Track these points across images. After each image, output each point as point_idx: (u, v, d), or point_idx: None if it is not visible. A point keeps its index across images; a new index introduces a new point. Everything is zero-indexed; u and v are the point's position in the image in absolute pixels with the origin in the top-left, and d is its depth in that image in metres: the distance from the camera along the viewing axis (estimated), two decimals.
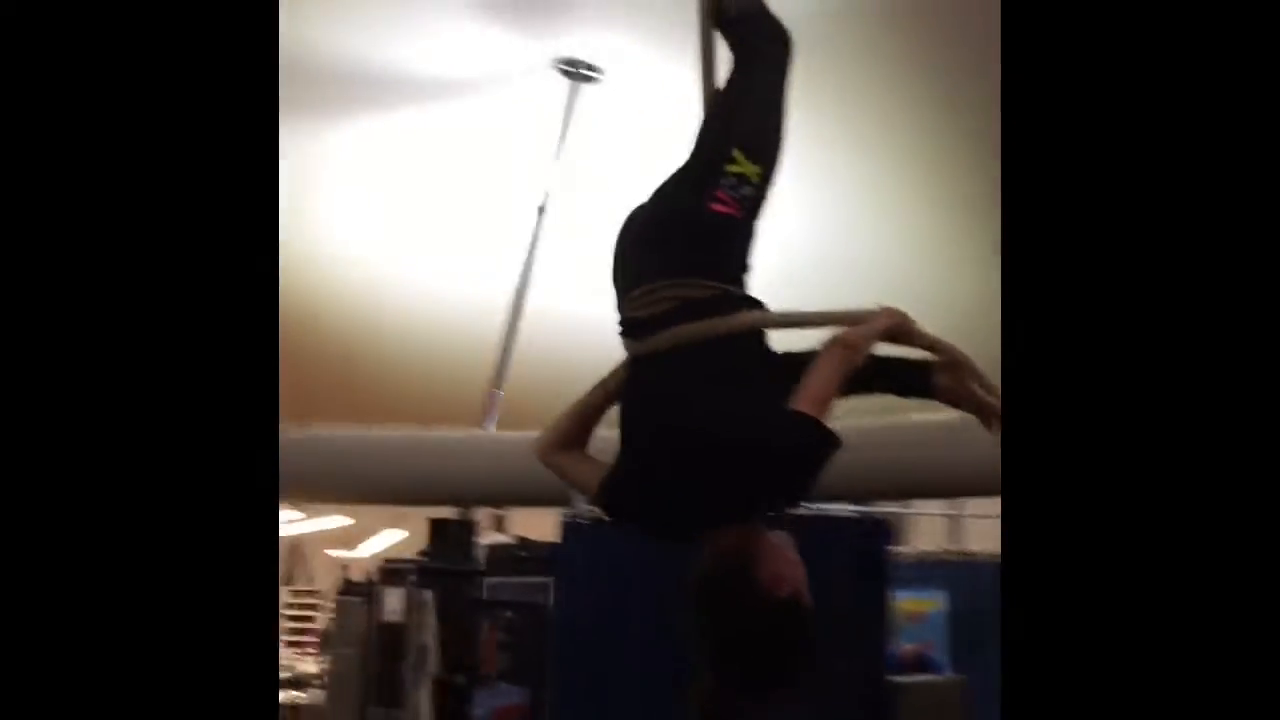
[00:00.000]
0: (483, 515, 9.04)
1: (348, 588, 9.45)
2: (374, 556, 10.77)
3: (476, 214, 7.34)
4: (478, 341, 7.63)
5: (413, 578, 8.43)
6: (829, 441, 1.88)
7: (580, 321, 7.15)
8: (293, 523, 10.94)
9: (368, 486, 8.70)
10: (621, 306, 2.08)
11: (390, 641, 8.61)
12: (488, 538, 8.98)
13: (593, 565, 6.25)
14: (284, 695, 10.78)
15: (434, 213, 7.35)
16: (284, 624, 13.25)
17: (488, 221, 7.32)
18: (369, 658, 8.62)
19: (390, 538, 11.52)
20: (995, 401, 2.19)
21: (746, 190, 2.08)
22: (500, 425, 8.00)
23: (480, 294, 7.63)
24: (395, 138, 6.39)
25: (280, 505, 10.26)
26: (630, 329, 2.05)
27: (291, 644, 12.57)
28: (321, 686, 9.34)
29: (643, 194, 2.27)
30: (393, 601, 8.60)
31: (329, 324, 8.21)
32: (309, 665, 10.92)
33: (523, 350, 7.53)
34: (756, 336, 2.04)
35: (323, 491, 9.26)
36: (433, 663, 8.47)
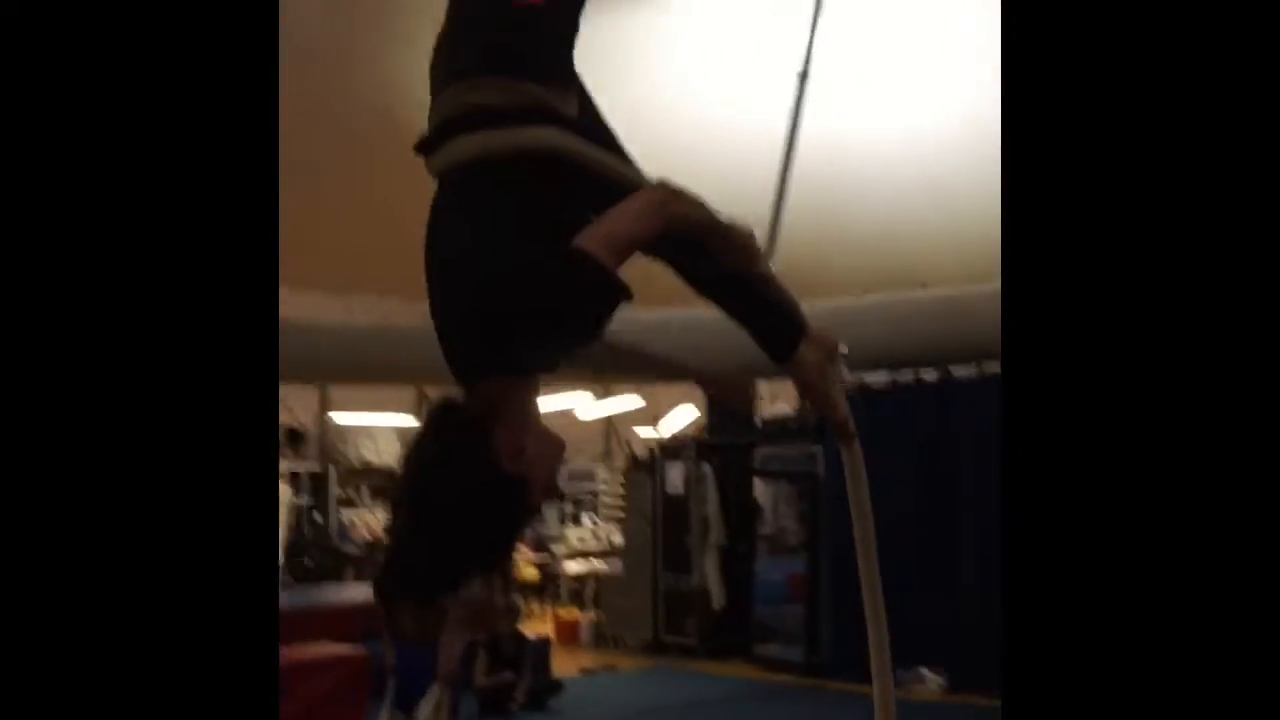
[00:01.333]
0: (764, 386, 9.15)
1: (634, 464, 9.86)
2: (670, 434, 11.17)
3: (737, 82, 7.31)
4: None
5: (691, 452, 8.71)
6: (607, 288, 1.56)
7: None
8: (593, 404, 11.48)
9: (647, 365, 8.95)
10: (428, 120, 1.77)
11: (676, 513, 8.98)
12: (767, 409, 9.09)
13: (861, 431, 6.22)
14: (590, 565, 11.47)
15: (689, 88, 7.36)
16: (601, 499, 14.05)
17: (750, 89, 7.27)
18: (658, 529, 9.05)
19: (686, 415, 11.85)
20: (847, 417, 1.87)
21: None
22: None
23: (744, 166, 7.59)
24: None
25: (575, 388, 10.68)
26: (422, 144, 1.75)
27: (610, 519, 13.30)
28: (622, 556, 9.89)
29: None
30: (674, 475, 8.94)
31: None
32: (619, 537, 11.54)
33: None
34: (570, 164, 1.70)
35: (616, 372, 9.70)
36: (717, 532, 8.78)
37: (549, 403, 11.28)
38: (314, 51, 5.98)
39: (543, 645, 7.74)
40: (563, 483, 14.08)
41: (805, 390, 1.84)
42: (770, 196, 6.77)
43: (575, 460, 14.53)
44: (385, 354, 9.19)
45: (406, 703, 4.30)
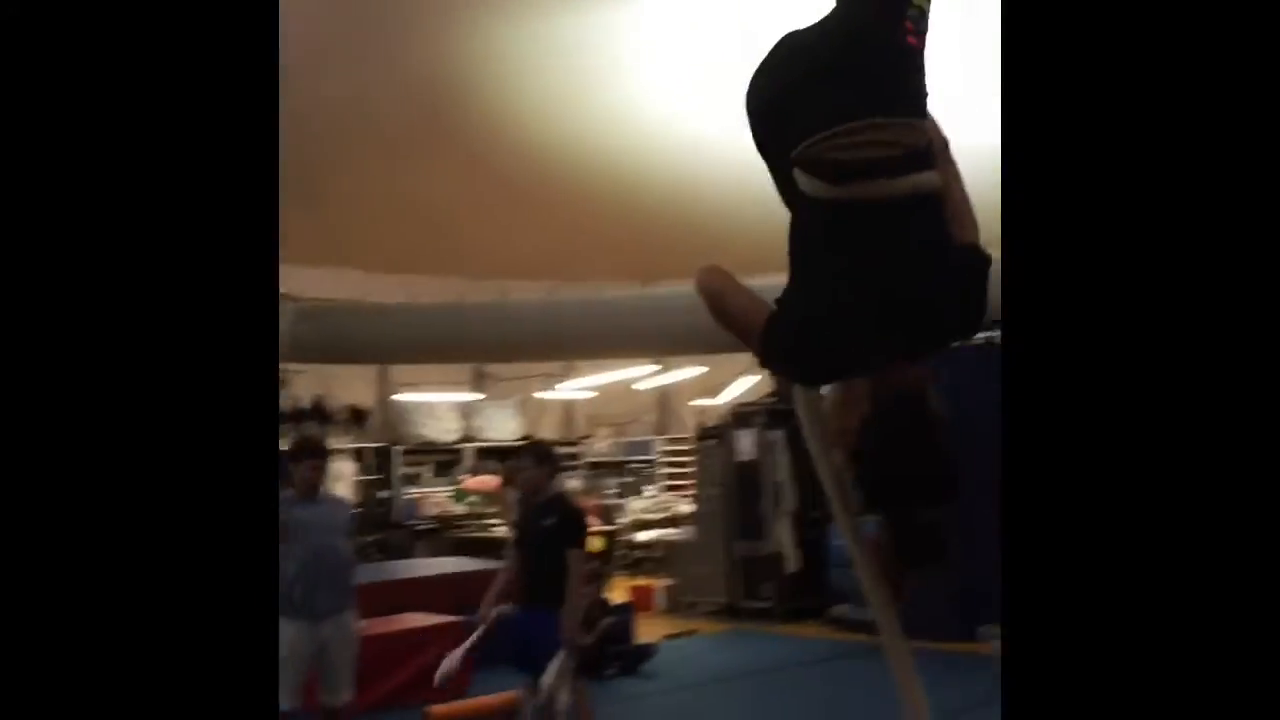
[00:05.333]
0: None
1: (705, 433, 9.98)
2: (731, 402, 11.26)
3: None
4: None
5: (761, 420, 8.83)
6: (988, 262, 1.88)
7: None
8: (652, 375, 11.60)
9: (718, 337, 9.03)
10: (812, 146, 1.89)
11: (748, 480, 9.12)
12: None
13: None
14: (660, 533, 11.62)
15: None
16: (661, 470, 14.20)
17: None
18: (730, 496, 9.20)
19: (746, 384, 11.95)
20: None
21: (924, 24, 1.93)
22: None
23: None
24: None
25: (634, 359, 10.67)
26: (828, 171, 1.89)
27: (670, 488, 13.46)
28: (694, 523, 10.04)
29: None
30: (745, 443, 9.07)
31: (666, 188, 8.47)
32: (685, 506, 11.68)
33: None
34: (939, 199, 1.95)
35: (678, 344, 9.82)
36: (790, 498, 8.91)
37: (609, 375, 11.46)
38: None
39: (625, 611, 7.87)
40: (620, 454, 14.30)
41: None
42: None
43: (633, 432, 14.69)
44: (447, 332, 9.28)
45: (526, 666, 4.47)
